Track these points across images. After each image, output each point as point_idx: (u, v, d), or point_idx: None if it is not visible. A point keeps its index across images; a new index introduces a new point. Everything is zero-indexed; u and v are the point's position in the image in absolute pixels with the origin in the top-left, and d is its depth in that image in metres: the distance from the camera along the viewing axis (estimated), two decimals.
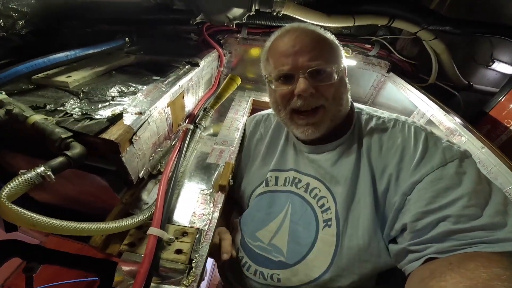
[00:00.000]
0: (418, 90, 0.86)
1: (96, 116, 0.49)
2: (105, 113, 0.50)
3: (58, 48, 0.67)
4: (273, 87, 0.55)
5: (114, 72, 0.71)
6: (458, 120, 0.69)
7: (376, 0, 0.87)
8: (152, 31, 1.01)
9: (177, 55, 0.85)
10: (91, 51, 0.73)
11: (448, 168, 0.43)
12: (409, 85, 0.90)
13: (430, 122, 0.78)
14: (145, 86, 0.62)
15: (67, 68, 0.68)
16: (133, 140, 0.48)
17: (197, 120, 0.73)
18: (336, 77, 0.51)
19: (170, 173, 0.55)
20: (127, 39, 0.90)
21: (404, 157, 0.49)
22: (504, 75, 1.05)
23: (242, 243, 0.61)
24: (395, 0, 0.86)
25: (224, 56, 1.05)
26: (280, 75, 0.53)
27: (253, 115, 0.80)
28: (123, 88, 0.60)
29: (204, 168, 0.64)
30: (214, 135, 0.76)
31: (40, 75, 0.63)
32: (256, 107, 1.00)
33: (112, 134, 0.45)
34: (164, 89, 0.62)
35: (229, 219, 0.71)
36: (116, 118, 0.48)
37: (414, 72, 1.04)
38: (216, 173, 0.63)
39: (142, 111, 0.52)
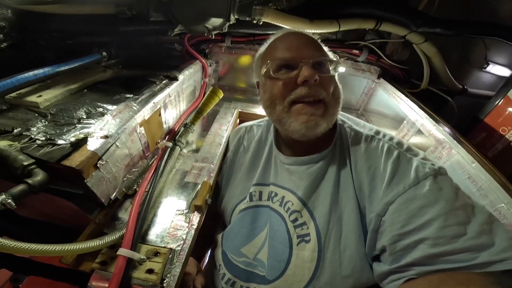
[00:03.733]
0: (408, 98, 0.82)
1: (59, 142, 0.47)
2: (69, 137, 0.48)
3: (34, 61, 0.66)
4: (273, 75, 0.52)
5: (86, 90, 0.69)
6: (448, 131, 0.65)
7: (361, 2, 0.83)
8: (134, 42, 1.00)
9: (158, 68, 0.82)
10: (62, 68, 0.70)
11: (420, 187, 0.42)
12: (399, 92, 0.87)
13: (420, 132, 0.75)
14: (114, 106, 0.60)
15: (40, 86, 0.66)
16: (98, 165, 0.47)
17: (176, 137, 0.70)
18: (335, 72, 0.52)
19: (146, 193, 0.54)
20: (104, 53, 0.86)
21: (375, 176, 0.48)
22: (500, 77, 1.01)
23: (224, 259, 0.59)
24: (381, 1, 0.82)
25: (209, 66, 1.03)
26: (282, 64, 0.52)
27: (237, 127, 0.78)
28: (91, 109, 0.58)
29: (183, 187, 0.62)
30: (197, 151, 0.74)
31: (12, 94, 0.61)
32: (242, 119, 0.98)
33: (73, 161, 0.43)
34: (136, 108, 0.60)
35: (211, 236, 0.69)
36: (80, 143, 0.47)
37: (406, 77, 1.01)
38: (194, 192, 0.61)
39: (109, 134, 0.50)
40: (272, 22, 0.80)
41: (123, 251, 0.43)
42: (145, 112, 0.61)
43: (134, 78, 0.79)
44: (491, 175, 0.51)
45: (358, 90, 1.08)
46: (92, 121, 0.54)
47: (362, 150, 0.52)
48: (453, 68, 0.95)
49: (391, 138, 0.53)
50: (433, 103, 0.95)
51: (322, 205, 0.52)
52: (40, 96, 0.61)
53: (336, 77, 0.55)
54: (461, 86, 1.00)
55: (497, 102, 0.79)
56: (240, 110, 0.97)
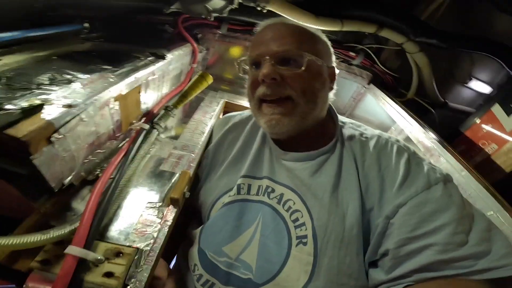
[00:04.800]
0: (398, 105, 0.83)
1: (8, 106, 0.38)
2: (21, 102, 0.39)
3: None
4: (248, 71, 0.54)
5: (56, 58, 0.59)
6: (437, 138, 0.65)
7: (367, 6, 0.84)
8: (123, 19, 0.90)
9: (144, 46, 0.74)
10: (33, 34, 0.60)
11: (432, 192, 0.42)
12: (389, 99, 0.87)
13: (408, 139, 0.75)
14: (87, 75, 0.51)
15: (4, 51, 0.55)
16: (52, 139, 0.38)
17: (155, 120, 0.63)
18: (305, 66, 0.48)
19: (111, 180, 0.46)
20: (86, 24, 0.77)
21: (385, 178, 0.46)
22: (479, 94, 1.06)
23: (201, 258, 0.52)
24: (387, 7, 0.83)
25: (200, 52, 0.96)
26: (251, 62, 0.52)
27: (224, 116, 0.72)
28: (57, 75, 0.49)
29: (157, 176, 0.55)
30: (176, 138, 0.67)
31: None
32: (228, 110, 0.92)
33: (20, 130, 0.34)
34: (112, 80, 0.52)
35: (183, 232, 0.62)
36: (33, 111, 0.38)
37: (394, 85, 1.02)
38: (170, 183, 0.54)
39: (74, 103, 0.42)
40: (277, 12, 0.77)
41: (73, 249, 0.35)
42: (123, 86, 0.53)
43: (117, 51, 0.70)
44: (480, 184, 0.52)
45: (346, 94, 1.07)
46: (55, 88, 0.45)
47: (371, 149, 0.50)
48: (437, 80, 0.98)
49: (398, 140, 0.52)
50: (415, 113, 0.98)
51: (320, 205, 0.48)
52: (0, 60, 0.51)
53: (324, 71, 0.52)
54: (442, 100, 1.04)
55: (479, 116, 0.82)
56: (226, 100, 0.91)
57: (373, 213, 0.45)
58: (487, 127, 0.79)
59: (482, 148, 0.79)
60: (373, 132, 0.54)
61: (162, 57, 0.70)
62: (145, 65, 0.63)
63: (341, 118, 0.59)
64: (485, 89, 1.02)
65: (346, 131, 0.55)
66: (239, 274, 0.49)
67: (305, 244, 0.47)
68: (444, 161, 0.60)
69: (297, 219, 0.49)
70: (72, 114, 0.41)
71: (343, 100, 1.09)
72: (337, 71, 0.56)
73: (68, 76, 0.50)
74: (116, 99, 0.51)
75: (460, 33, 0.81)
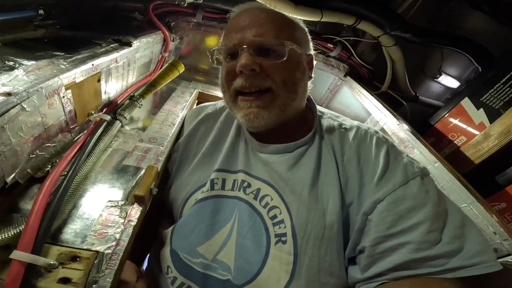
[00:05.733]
0: (373, 97, 0.83)
1: None
2: None
3: None
4: (221, 61, 0.50)
5: (0, 45, 0.52)
6: (410, 129, 0.66)
7: None
8: (87, 5, 0.81)
9: (109, 34, 0.68)
10: None
11: (409, 187, 0.41)
12: (364, 91, 0.88)
13: (383, 130, 0.75)
14: (33, 62, 0.46)
15: None
16: None
17: (118, 110, 0.58)
18: (286, 56, 0.45)
19: (63, 177, 0.41)
20: (40, 10, 0.68)
21: (365, 172, 0.45)
22: (448, 88, 1.11)
23: (174, 260, 0.49)
24: (366, 0, 0.83)
25: (172, 41, 0.90)
26: (226, 52, 0.48)
27: (197, 106, 0.68)
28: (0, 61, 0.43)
29: (119, 172, 0.50)
30: (143, 130, 0.62)
31: None
32: (202, 101, 0.88)
33: None
34: (64, 67, 0.47)
35: (154, 231, 0.58)
36: None
37: (370, 78, 1.03)
38: (135, 179, 0.49)
39: (13, 91, 0.37)
40: None
41: (19, 254, 0.32)
42: (77, 74, 0.48)
43: (74, 38, 0.63)
44: (453, 175, 0.53)
45: (323, 86, 1.07)
46: None
47: (350, 140, 0.49)
48: (409, 74, 1.00)
49: (376, 131, 0.51)
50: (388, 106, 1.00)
51: (299, 201, 0.46)
52: None
53: (304, 59, 0.50)
54: (413, 93, 1.07)
55: (448, 109, 0.85)
56: (200, 91, 0.87)
57: (353, 209, 0.44)
58: (456, 121, 0.82)
59: (452, 140, 0.82)
60: (352, 123, 0.53)
61: (128, 44, 0.65)
62: (107, 52, 0.57)
63: (319, 108, 0.57)
64: (454, 83, 1.07)
65: (325, 122, 0.54)
66: (217, 275, 0.46)
67: (284, 242, 0.45)
68: (418, 152, 0.61)
69: (275, 216, 0.47)
70: (11, 103, 0.36)
71: (320, 92, 1.09)
72: (314, 62, 0.54)
73: (10, 63, 0.44)
74: (68, 87, 0.46)
75: (433, 29, 0.83)
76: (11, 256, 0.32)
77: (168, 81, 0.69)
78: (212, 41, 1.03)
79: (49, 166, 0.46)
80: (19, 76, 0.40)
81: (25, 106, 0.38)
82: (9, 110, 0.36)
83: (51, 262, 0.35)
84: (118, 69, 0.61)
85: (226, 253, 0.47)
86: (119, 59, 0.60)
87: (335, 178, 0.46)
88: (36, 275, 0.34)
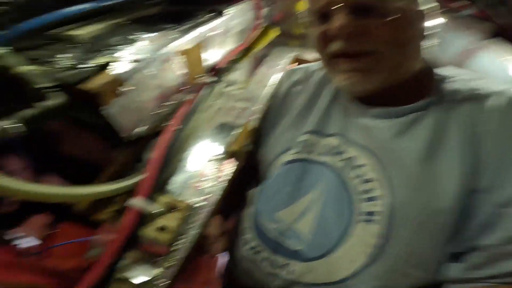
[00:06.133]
0: None
1: (82, 66, 0.42)
2: (93, 61, 0.43)
3: None
4: (311, 25, 0.45)
5: (129, 22, 0.64)
6: None
7: None
8: None
9: (207, 5, 0.73)
10: (108, 3, 0.65)
11: None
12: None
13: None
14: (151, 34, 0.53)
15: (85, 23, 0.63)
16: (121, 91, 0.40)
17: (219, 74, 0.64)
18: (391, 14, 0.37)
19: (175, 132, 0.47)
20: None
21: (508, 153, 0.36)
22: None
23: (255, 221, 0.50)
24: None
25: (264, 7, 0.88)
26: (317, 14, 0.42)
27: (294, 67, 0.66)
28: (127, 36, 0.53)
29: (219, 129, 0.55)
30: (241, 90, 0.67)
31: (53, 31, 0.57)
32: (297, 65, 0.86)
33: (91, 84, 0.38)
34: (175, 36, 0.53)
35: (245, 191, 0.60)
36: (103, 67, 0.41)
37: None
38: (232, 136, 0.53)
39: (139, 58, 0.43)
40: None
41: (136, 202, 0.37)
42: (185, 42, 0.54)
43: (181, 12, 0.71)
44: None
45: (451, 50, 0.82)
46: (124, 46, 0.48)
47: (487, 111, 0.38)
48: None
49: None
50: None
51: (405, 177, 0.39)
52: (81, 30, 0.57)
53: (414, 16, 0.39)
54: None
55: None
56: (295, 55, 0.87)
57: (479, 197, 0.36)
58: None
59: None
60: (492, 87, 0.40)
61: (220, 13, 0.68)
62: (204, 22, 0.62)
63: (446, 70, 0.45)
64: None
65: (452, 86, 0.42)
66: (289, 244, 0.45)
67: (373, 222, 0.40)
68: None
69: (368, 191, 0.41)
70: (138, 69, 0.43)
71: (444, 56, 0.84)
72: (439, 20, 0.42)
73: (135, 37, 0.53)
74: (182, 53, 0.52)
75: None
76: (130, 202, 0.36)
77: (263, 46, 0.73)
78: (303, 5, 0.96)
79: (166, 122, 0.53)
80: (143, 46, 0.48)
81: (149, 70, 0.45)
82: (137, 73, 0.43)
83: (159, 210, 0.38)
84: (216, 38, 0.66)
85: (304, 222, 0.45)
86: (216, 27, 0.65)
87: (458, 155, 0.37)
88: (143, 222, 0.37)
